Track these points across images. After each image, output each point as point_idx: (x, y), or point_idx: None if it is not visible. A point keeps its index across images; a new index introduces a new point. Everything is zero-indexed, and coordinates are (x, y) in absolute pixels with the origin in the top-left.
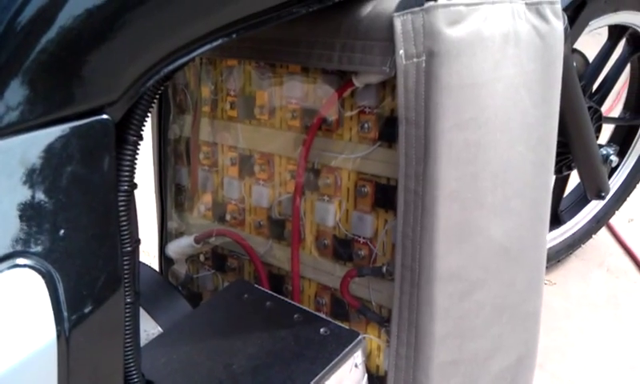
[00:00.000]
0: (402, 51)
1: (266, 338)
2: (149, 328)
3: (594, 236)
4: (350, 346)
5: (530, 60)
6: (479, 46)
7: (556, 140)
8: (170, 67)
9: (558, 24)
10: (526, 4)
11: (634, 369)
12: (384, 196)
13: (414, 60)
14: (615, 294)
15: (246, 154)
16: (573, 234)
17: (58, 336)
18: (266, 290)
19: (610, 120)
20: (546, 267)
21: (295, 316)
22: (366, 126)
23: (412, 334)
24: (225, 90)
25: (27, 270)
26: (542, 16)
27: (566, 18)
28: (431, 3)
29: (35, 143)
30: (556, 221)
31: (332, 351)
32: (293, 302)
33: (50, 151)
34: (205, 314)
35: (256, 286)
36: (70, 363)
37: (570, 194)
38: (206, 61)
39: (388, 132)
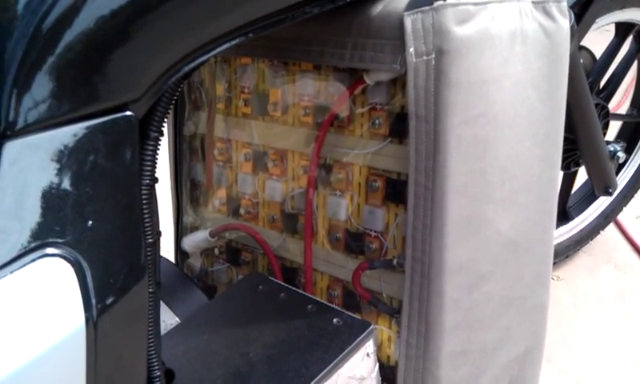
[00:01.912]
0: (412, 49)
1: (280, 328)
2: (167, 319)
3: (601, 232)
4: (361, 336)
5: (536, 57)
6: (487, 44)
7: (563, 136)
8: (191, 65)
9: (565, 22)
10: (533, 2)
11: None
12: (394, 190)
13: (424, 58)
14: (622, 290)
15: (259, 150)
16: (581, 230)
17: (87, 322)
18: (280, 282)
19: (617, 117)
20: (555, 263)
21: (308, 307)
22: (377, 122)
23: (422, 324)
24: (239, 87)
25: (57, 259)
26: (548, 14)
27: (572, 15)
28: (440, 2)
29: (63, 139)
30: (564, 217)
31: (345, 340)
32: (306, 294)
33: (77, 146)
34: (221, 305)
35: (270, 278)
36: (97, 348)
37: (577, 190)
38: (220, 59)
39: (398, 128)
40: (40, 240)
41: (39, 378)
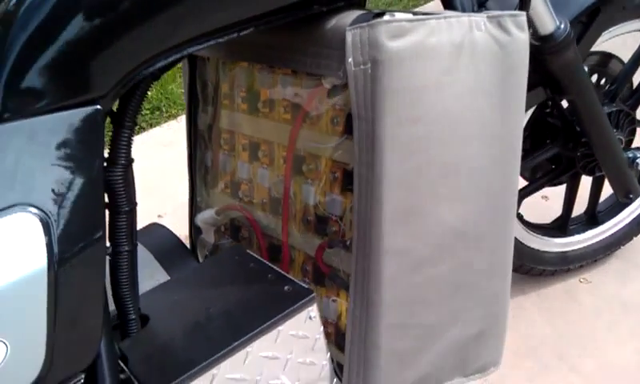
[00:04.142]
0: (350, 59)
1: (241, 291)
2: (161, 277)
3: (634, 238)
4: (303, 301)
5: (487, 66)
6: (423, 55)
7: (521, 137)
8: (151, 69)
9: (522, 34)
10: (488, 17)
11: None
12: (349, 180)
13: (362, 67)
14: None
15: (253, 142)
16: (611, 235)
17: (49, 266)
18: (254, 255)
19: None
20: (582, 265)
21: (269, 276)
22: (335, 120)
23: (364, 298)
24: (238, 86)
25: (27, 214)
26: (502, 28)
27: (568, 24)
28: (377, 20)
29: (41, 125)
30: (593, 221)
31: (288, 304)
32: (270, 265)
33: (51, 131)
34: (202, 269)
35: (247, 251)
36: (57, 288)
37: (610, 196)
38: (222, 61)
39: (352, 126)
40: (14, 200)
41: (7, 301)
